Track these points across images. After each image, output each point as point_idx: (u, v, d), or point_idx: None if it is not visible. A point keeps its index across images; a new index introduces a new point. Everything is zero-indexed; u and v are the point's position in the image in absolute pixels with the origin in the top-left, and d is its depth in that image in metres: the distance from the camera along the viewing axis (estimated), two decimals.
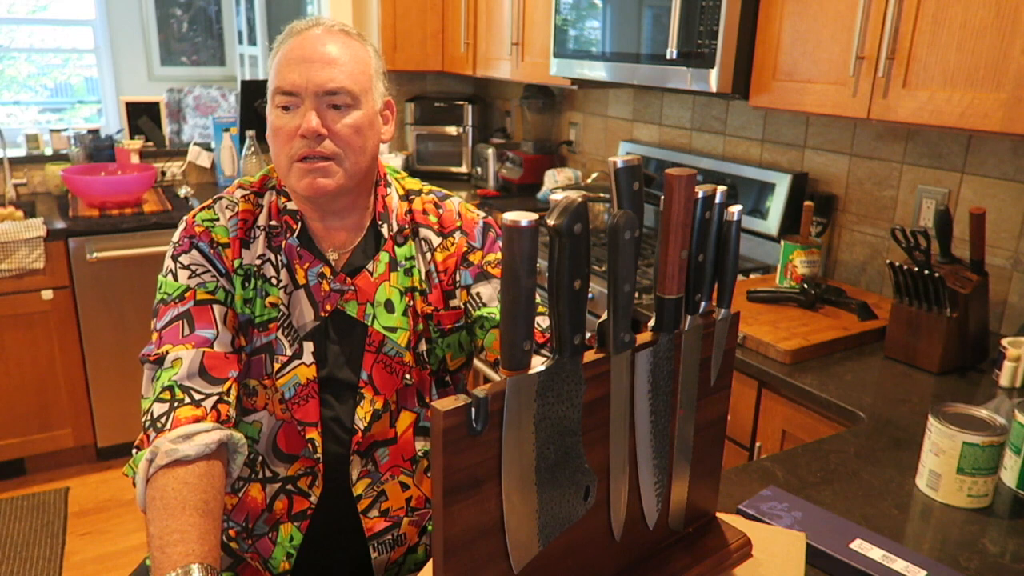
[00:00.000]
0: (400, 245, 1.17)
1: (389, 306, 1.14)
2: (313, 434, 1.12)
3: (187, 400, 1.00)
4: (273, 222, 1.14)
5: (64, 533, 2.48)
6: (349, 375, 1.14)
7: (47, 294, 2.62)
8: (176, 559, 0.84)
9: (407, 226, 1.18)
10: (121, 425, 2.84)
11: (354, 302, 1.14)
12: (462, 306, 1.18)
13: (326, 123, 1.06)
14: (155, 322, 1.07)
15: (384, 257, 1.15)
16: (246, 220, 1.13)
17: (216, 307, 1.08)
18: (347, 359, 1.14)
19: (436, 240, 1.18)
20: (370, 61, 1.12)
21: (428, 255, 1.18)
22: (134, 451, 0.99)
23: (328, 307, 1.13)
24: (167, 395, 1.00)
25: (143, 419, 1.00)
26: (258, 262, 1.12)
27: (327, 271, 1.13)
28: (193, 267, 1.09)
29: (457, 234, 1.19)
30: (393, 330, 1.14)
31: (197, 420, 0.98)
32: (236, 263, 1.11)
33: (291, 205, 1.14)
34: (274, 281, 1.12)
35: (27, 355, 2.64)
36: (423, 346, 1.17)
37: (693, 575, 0.85)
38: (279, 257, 1.13)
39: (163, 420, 0.97)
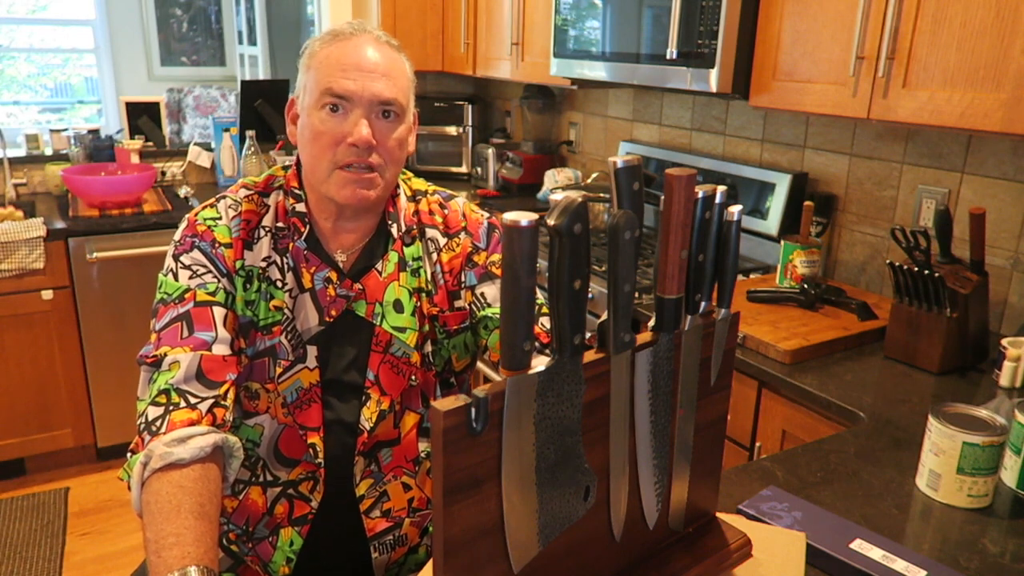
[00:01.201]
0: (408, 245, 1.17)
1: (398, 306, 1.14)
2: (315, 439, 1.12)
3: (182, 404, 0.99)
4: (280, 224, 1.13)
5: (64, 533, 2.48)
6: (355, 376, 1.14)
7: (47, 294, 2.62)
8: (172, 562, 0.83)
9: (414, 227, 1.18)
10: (121, 425, 2.84)
11: (363, 301, 1.13)
12: (467, 307, 1.18)
13: (375, 134, 1.07)
14: (154, 322, 1.07)
15: (393, 257, 1.15)
16: (249, 221, 1.12)
17: (216, 309, 1.07)
18: (352, 360, 1.14)
19: (442, 240, 1.18)
20: (410, 75, 1.13)
21: (434, 256, 1.17)
22: (128, 455, 0.98)
23: (333, 312, 1.12)
24: (163, 398, 0.99)
25: (138, 422, 0.99)
26: (263, 264, 1.11)
27: (334, 276, 1.13)
28: (194, 267, 1.08)
29: (462, 235, 1.19)
30: (402, 330, 1.14)
31: (192, 423, 0.97)
32: (238, 264, 1.10)
33: (299, 207, 1.13)
34: (279, 284, 1.11)
35: (27, 355, 2.64)
36: (429, 347, 1.16)
37: (693, 575, 0.85)
38: (285, 260, 1.12)
39: (158, 423, 0.96)
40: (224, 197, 1.14)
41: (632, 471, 0.80)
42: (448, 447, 0.61)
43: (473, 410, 0.62)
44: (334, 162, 1.07)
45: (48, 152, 3.17)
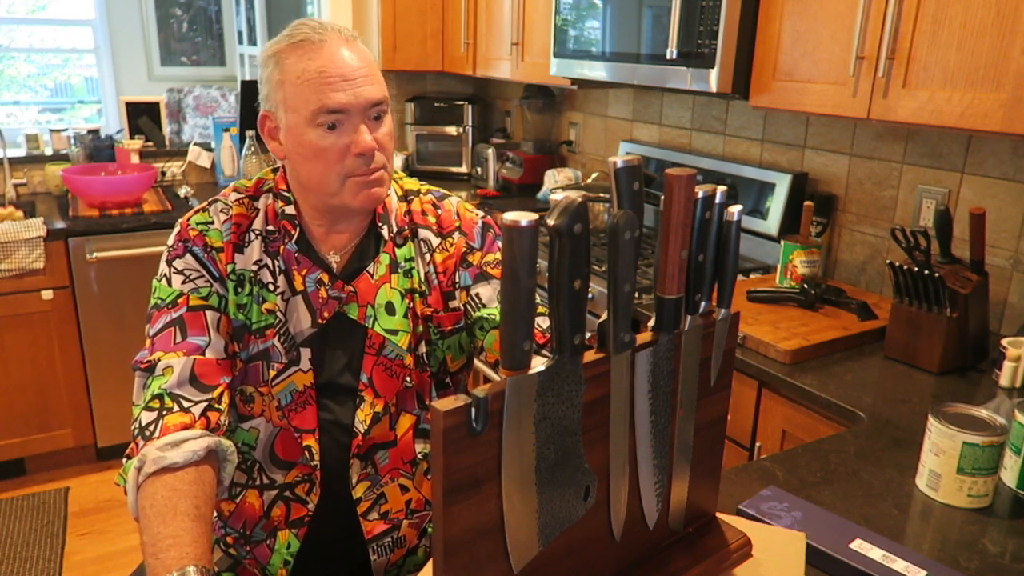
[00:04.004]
0: (400, 246, 1.16)
1: (390, 308, 1.14)
2: (310, 441, 1.12)
3: (176, 408, 0.99)
4: (270, 227, 1.13)
5: (64, 533, 2.48)
6: (349, 379, 1.14)
7: (47, 294, 2.62)
8: (171, 563, 0.84)
9: (406, 227, 1.18)
10: (121, 425, 2.84)
11: (354, 304, 1.13)
12: (461, 307, 1.17)
13: (373, 137, 1.07)
14: (148, 328, 1.07)
15: (385, 259, 1.15)
16: (240, 224, 1.12)
17: (209, 313, 1.07)
18: (346, 363, 1.13)
19: (435, 241, 1.18)
20: (377, 62, 1.13)
21: (427, 256, 1.17)
22: (124, 460, 0.99)
23: (326, 314, 1.12)
24: (156, 403, 0.99)
25: (133, 427, 1.00)
26: (254, 268, 1.11)
27: (325, 278, 1.12)
28: (187, 272, 1.08)
29: (456, 235, 1.18)
30: (394, 332, 1.14)
31: (185, 427, 0.98)
32: (229, 268, 1.10)
33: (288, 209, 1.13)
34: (271, 287, 1.11)
35: (27, 355, 2.64)
36: (423, 348, 1.16)
37: (693, 575, 0.85)
38: (276, 263, 1.12)
39: (151, 428, 0.97)
40: (215, 201, 1.14)
41: (632, 471, 0.80)
42: (448, 447, 0.61)
43: (473, 410, 0.62)
44: (343, 174, 1.07)
45: (48, 152, 3.17)
